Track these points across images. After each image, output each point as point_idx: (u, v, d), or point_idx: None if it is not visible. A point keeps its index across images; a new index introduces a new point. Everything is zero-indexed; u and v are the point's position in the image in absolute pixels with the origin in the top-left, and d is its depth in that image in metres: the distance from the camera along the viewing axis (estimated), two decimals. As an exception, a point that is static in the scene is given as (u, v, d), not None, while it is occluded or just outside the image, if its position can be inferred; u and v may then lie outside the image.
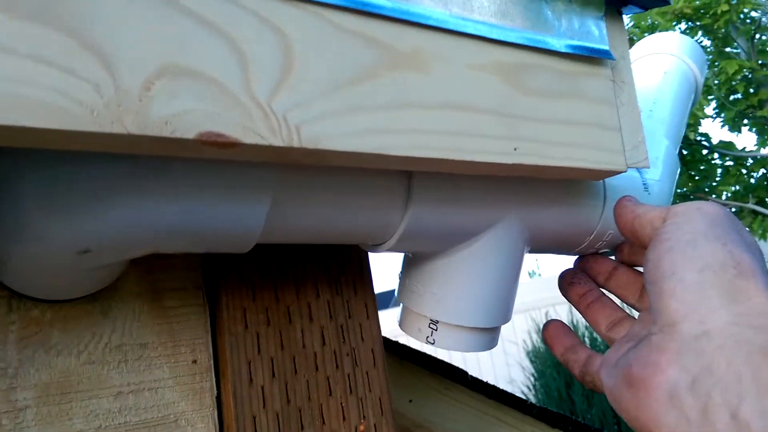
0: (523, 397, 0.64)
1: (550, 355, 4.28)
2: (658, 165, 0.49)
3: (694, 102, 0.62)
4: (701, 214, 0.32)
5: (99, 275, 0.32)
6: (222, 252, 0.31)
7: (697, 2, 4.63)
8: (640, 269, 0.42)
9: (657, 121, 0.54)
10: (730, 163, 5.38)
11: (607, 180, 0.43)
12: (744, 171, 5.36)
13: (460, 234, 0.37)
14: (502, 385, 0.60)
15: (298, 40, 0.27)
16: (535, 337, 4.57)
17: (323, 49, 0.27)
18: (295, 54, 0.26)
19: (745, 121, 5.18)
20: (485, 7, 0.34)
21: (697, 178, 5.30)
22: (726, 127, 5.24)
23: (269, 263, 0.38)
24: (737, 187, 5.34)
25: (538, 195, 0.39)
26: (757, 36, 4.96)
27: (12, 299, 0.32)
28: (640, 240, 0.35)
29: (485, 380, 0.54)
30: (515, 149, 0.31)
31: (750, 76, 4.86)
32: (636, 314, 0.40)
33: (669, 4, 0.43)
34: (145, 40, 0.23)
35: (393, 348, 0.54)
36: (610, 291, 0.43)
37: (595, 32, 0.39)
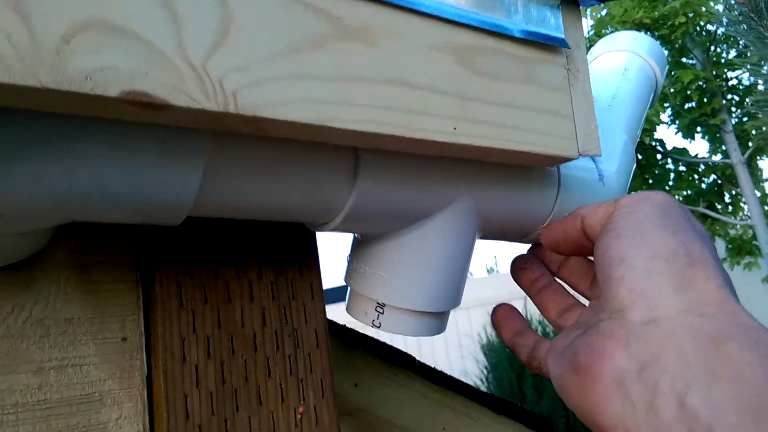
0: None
1: (503, 348, 4.35)
2: (615, 158, 0.50)
3: (653, 100, 0.63)
4: (650, 203, 0.32)
5: (17, 243, 0.30)
6: (152, 223, 0.30)
7: (656, 13, 4.75)
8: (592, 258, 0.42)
9: (616, 116, 0.55)
10: (683, 168, 5.56)
11: (561, 169, 0.43)
12: (696, 176, 5.55)
13: (408, 215, 0.36)
14: (456, 377, 0.60)
15: (239, 3, 0.25)
16: (489, 331, 4.64)
17: (266, 13, 0.26)
18: (235, 16, 0.25)
19: (699, 129, 5.36)
20: (442, -15, 0.33)
21: (651, 181, 5.46)
22: (680, 134, 5.41)
23: (209, 239, 0.37)
24: (689, 192, 5.53)
25: (491, 180, 0.38)
26: (712, 48, 5.13)
27: (-77, 266, 0.30)
28: (592, 241, 0.34)
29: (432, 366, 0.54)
30: (455, 128, 0.31)
31: (704, 85, 5.02)
32: (587, 303, 0.40)
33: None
34: (67, -11, 0.21)
35: (341, 333, 0.54)
36: (561, 279, 0.43)
37: (551, 20, 0.39)
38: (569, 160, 0.37)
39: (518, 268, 0.44)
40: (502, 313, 0.42)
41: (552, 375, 0.32)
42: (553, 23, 0.39)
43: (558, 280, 0.43)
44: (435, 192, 0.36)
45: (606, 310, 0.29)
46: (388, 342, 0.55)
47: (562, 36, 0.39)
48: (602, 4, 0.44)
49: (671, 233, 0.29)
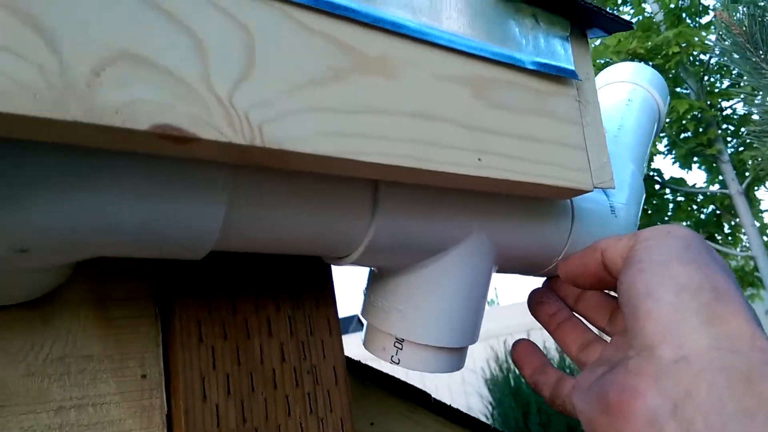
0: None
1: (508, 383, 4.28)
2: (624, 189, 0.50)
3: (656, 131, 0.63)
4: (672, 236, 0.31)
5: (38, 279, 0.30)
6: (174, 258, 0.29)
7: (649, 43, 4.84)
8: (611, 292, 0.41)
9: (622, 146, 0.55)
10: (681, 198, 5.58)
11: (575, 201, 0.43)
12: (695, 207, 5.56)
13: (427, 249, 0.36)
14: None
15: (262, 37, 0.26)
16: (493, 365, 4.57)
17: (289, 48, 0.27)
18: (260, 50, 0.26)
19: (695, 159, 5.40)
20: (454, 19, 0.34)
21: (650, 212, 5.47)
22: (677, 164, 5.45)
23: (227, 274, 0.37)
24: (688, 222, 5.53)
25: (507, 213, 0.38)
26: (706, 78, 5.21)
27: (-57, 305, 0.30)
28: (613, 274, 0.34)
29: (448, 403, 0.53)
30: (479, 160, 0.31)
31: (699, 115, 5.08)
32: (606, 338, 0.40)
33: (632, 28, 0.44)
34: (96, 22, 0.22)
35: (355, 368, 0.53)
36: (579, 313, 0.42)
37: (560, 52, 0.40)
38: (584, 192, 0.38)
39: (535, 302, 0.44)
40: (521, 349, 0.41)
41: (580, 412, 0.31)
42: (563, 55, 0.40)
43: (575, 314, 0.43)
44: (452, 225, 0.36)
45: (634, 347, 0.28)
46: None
47: (573, 68, 0.40)
48: (609, 35, 0.44)
49: (696, 267, 0.29)
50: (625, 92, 0.63)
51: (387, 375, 0.52)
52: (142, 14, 0.23)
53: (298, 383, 0.37)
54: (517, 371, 4.23)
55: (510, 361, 4.30)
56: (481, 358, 4.84)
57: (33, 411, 0.30)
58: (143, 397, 0.33)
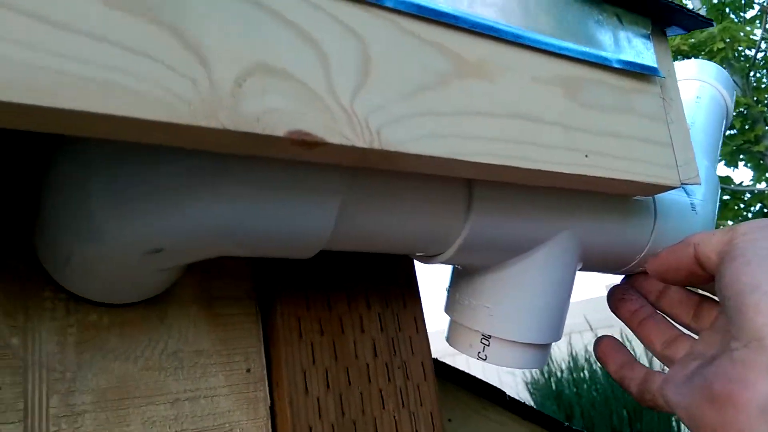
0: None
1: (549, 387, 4.22)
2: (701, 185, 0.50)
3: (725, 127, 0.63)
4: None
5: (159, 279, 0.31)
6: (285, 257, 0.31)
7: (693, 40, 4.73)
8: (694, 289, 0.41)
9: (696, 143, 0.55)
10: (728, 197, 5.42)
11: (657, 200, 0.43)
12: (741, 205, 5.40)
13: (517, 247, 0.37)
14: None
15: (375, 45, 0.27)
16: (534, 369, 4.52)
17: (398, 54, 0.28)
18: (373, 58, 0.27)
19: (741, 156, 5.25)
20: (544, 22, 0.35)
21: (695, 211, 5.32)
22: (723, 162, 5.29)
23: (322, 272, 0.38)
24: (735, 221, 5.37)
25: (593, 211, 0.39)
26: (752, 73, 5.06)
27: (69, 302, 0.32)
28: (706, 269, 0.34)
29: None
30: (586, 156, 0.32)
31: (746, 112, 4.93)
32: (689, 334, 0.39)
33: (712, 25, 0.44)
34: (235, 38, 0.23)
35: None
36: (661, 310, 0.42)
37: (643, 50, 0.40)
38: (671, 188, 0.38)
39: (616, 298, 0.44)
40: (605, 346, 0.41)
41: (677, 406, 0.31)
42: (646, 53, 0.40)
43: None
44: (541, 224, 0.37)
45: (739, 339, 0.29)
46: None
47: (656, 65, 0.40)
48: (687, 33, 0.44)
49: None
50: (693, 90, 0.63)
51: (462, 372, 0.53)
52: (274, 28, 0.24)
53: (390, 378, 0.38)
54: (559, 374, 4.17)
55: (552, 364, 4.24)
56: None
57: (152, 402, 0.32)
58: (249, 390, 0.35)
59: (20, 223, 0.31)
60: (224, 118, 0.22)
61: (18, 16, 0.18)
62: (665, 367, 0.39)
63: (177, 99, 0.21)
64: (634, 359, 0.40)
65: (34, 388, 0.30)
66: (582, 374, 4.06)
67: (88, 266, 0.29)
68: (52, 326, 0.31)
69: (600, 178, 0.33)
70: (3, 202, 0.31)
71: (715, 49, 4.59)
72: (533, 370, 4.54)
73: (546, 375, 4.31)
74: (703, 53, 4.73)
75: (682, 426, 3.02)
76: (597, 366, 3.90)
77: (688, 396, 0.30)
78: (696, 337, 0.39)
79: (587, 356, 4.18)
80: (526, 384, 4.48)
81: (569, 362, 4.16)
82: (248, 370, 0.35)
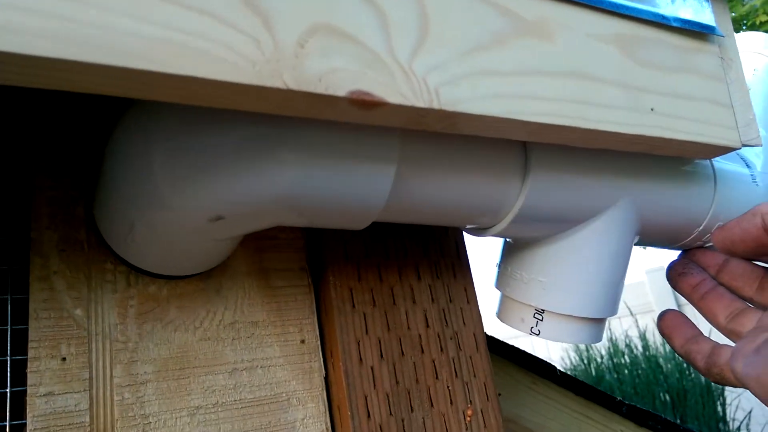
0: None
1: (589, 373, 4.17)
2: (761, 156, 0.48)
3: (784, 97, 0.60)
4: None
5: (216, 250, 0.31)
6: (341, 227, 0.31)
7: (734, 14, 4.56)
8: (758, 262, 0.40)
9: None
10: None
11: (717, 170, 0.42)
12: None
13: (574, 216, 0.36)
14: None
15: (433, 5, 0.26)
16: (572, 355, 4.46)
17: (456, 14, 0.27)
18: (431, 18, 0.26)
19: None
20: (598, -21, 0.34)
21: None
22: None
23: (372, 244, 0.38)
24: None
25: (652, 177, 0.38)
26: (796, 46, 4.86)
27: (130, 274, 0.32)
28: None
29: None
30: (652, 110, 0.30)
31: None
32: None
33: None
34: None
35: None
36: (722, 284, 0.41)
37: (701, 9, 0.38)
38: (732, 149, 0.36)
39: (676, 273, 0.42)
40: (669, 320, 0.40)
41: (747, 378, 0.30)
42: (704, 12, 0.38)
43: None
44: (600, 191, 0.36)
45: None
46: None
47: (714, 24, 0.38)
48: None
49: None
50: (749, 62, 0.60)
51: (512, 347, 0.52)
52: (331, -13, 0.24)
53: (443, 348, 0.38)
54: (599, 360, 4.12)
55: (591, 350, 4.18)
56: (558, 346, 4.73)
57: (211, 372, 0.32)
58: (303, 360, 0.35)
59: (81, 195, 0.32)
60: (288, 78, 0.22)
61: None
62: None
63: (243, 59, 0.21)
64: (699, 333, 0.39)
65: (98, 358, 0.30)
66: (623, 359, 4.00)
67: (151, 236, 0.30)
68: (114, 298, 0.31)
69: (660, 138, 0.32)
70: (66, 174, 0.31)
71: (758, 22, 4.42)
72: (572, 357, 4.49)
73: (586, 361, 4.25)
74: (744, 27, 4.56)
75: (727, 410, 2.96)
76: (637, 351, 3.83)
77: (759, 367, 0.29)
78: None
79: (627, 341, 4.11)
80: (565, 370, 4.42)
81: (609, 348, 4.09)
82: (302, 341, 0.35)
